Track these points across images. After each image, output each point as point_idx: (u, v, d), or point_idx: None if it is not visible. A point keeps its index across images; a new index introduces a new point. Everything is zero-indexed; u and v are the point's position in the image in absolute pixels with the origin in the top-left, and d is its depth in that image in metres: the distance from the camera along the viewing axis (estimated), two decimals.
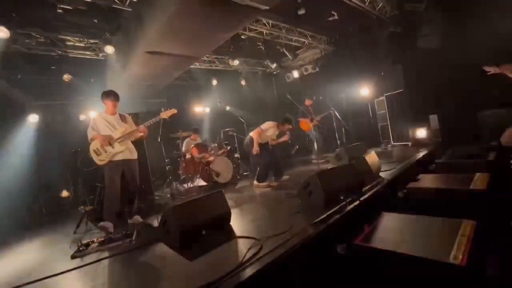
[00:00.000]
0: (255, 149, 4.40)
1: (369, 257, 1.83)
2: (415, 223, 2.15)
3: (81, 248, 2.67)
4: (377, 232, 2.05)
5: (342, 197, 2.71)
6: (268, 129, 4.62)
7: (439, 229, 1.96)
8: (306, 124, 6.28)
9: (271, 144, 4.87)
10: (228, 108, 8.84)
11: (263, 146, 4.57)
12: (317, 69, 8.54)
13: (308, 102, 6.55)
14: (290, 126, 4.73)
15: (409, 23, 6.25)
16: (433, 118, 6.19)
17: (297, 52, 8.56)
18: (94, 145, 3.35)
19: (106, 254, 2.49)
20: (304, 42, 7.60)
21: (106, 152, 3.34)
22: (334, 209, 2.54)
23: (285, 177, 4.75)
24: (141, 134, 3.58)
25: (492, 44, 4.73)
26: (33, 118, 5.82)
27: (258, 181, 4.51)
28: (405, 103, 6.46)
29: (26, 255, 3.10)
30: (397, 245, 1.78)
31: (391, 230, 2.12)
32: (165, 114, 3.71)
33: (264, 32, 6.59)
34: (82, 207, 4.72)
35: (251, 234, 2.28)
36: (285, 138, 5.01)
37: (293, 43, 7.54)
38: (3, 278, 2.42)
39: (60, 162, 5.76)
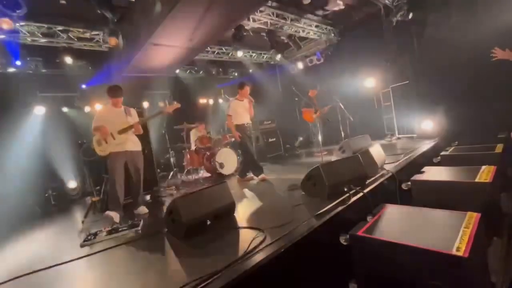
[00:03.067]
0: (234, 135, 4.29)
1: (372, 248, 1.85)
2: (419, 215, 2.16)
3: (89, 237, 2.74)
4: (381, 224, 2.05)
5: (345, 189, 2.72)
6: (231, 107, 4.43)
7: (443, 221, 1.96)
8: (310, 115, 6.24)
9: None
10: (231, 99, 8.81)
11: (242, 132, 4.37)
12: (322, 60, 8.41)
13: (312, 93, 6.47)
14: (247, 87, 4.48)
15: (417, 11, 6.09)
16: (440, 110, 6.09)
17: (302, 43, 8.42)
18: (96, 136, 3.43)
19: (113, 243, 2.55)
20: (309, 32, 7.46)
21: (107, 143, 3.40)
22: (338, 201, 2.55)
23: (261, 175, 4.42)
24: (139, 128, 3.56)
25: (503, 33, 4.60)
26: (39, 110, 5.88)
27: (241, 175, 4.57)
28: (411, 94, 6.35)
29: (37, 244, 3.19)
30: (400, 237, 1.79)
31: (395, 222, 2.12)
32: (169, 109, 3.70)
33: (269, 23, 6.48)
34: (89, 197, 4.83)
35: (255, 225, 2.30)
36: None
37: (297, 34, 7.41)
38: (14, 265, 2.51)
39: (67, 153, 5.84)
